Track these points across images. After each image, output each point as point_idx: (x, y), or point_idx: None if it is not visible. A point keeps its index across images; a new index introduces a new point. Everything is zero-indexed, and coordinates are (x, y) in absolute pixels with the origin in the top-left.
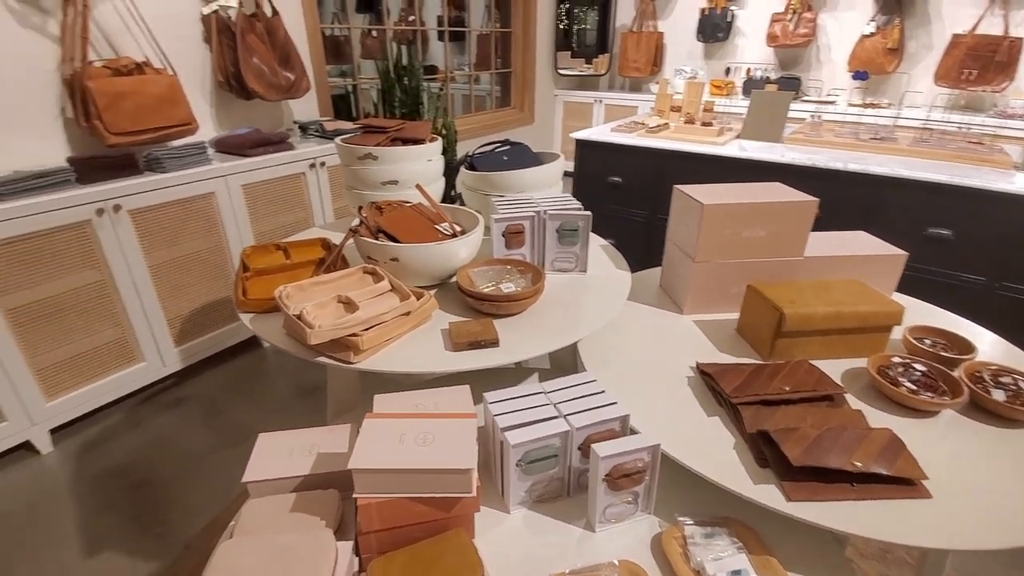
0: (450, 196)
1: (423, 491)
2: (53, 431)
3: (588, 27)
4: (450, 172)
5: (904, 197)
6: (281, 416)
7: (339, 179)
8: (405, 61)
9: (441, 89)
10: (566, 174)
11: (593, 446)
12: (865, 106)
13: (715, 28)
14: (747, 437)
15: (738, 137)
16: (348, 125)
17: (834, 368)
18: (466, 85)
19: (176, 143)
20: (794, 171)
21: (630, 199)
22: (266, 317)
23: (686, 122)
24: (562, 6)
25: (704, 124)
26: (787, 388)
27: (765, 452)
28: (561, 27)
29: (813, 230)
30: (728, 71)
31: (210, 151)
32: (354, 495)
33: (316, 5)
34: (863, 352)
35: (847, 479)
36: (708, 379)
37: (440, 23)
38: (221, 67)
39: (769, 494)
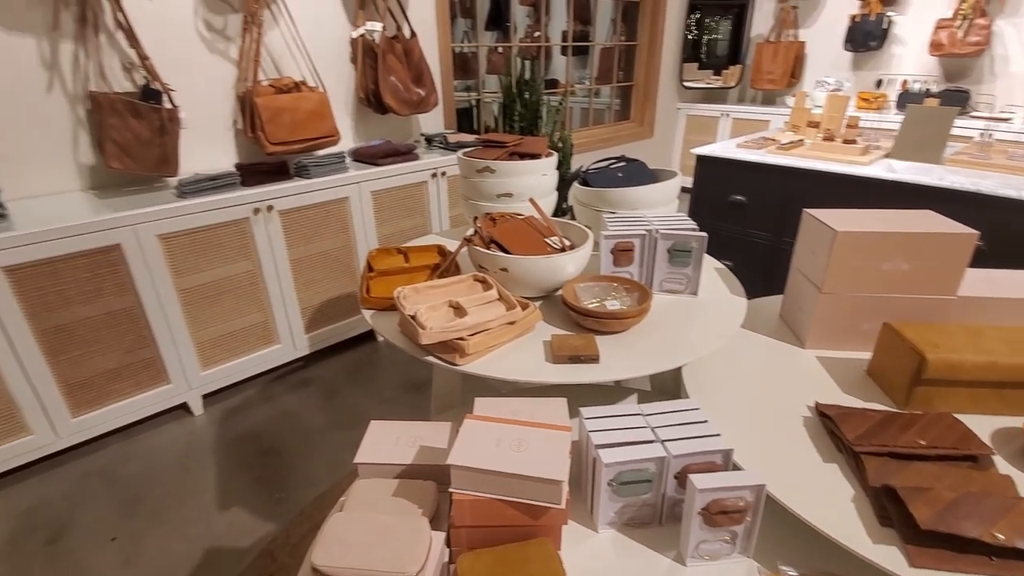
0: (561, 208)
1: (514, 496)
2: (205, 396)
3: (720, 37)
4: (563, 185)
5: None
6: (388, 406)
7: (457, 188)
8: (528, 76)
9: (560, 103)
10: (683, 190)
11: (691, 476)
12: None
13: (867, 36)
14: (869, 491)
15: (887, 156)
16: (469, 137)
17: (983, 425)
18: (585, 98)
19: (321, 152)
20: (954, 197)
21: (753, 220)
22: (384, 314)
23: (825, 139)
24: (693, 16)
25: (846, 141)
26: (922, 442)
27: (889, 510)
28: (690, 37)
29: (973, 265)
30: (880, 83)
31: (347, 160)
32: (450, 489)
33: (449, 26)
34: (1020, 410)
35: (985, 551)
36: (828, 422)
37: (564, 38)
38: (363, 85)
39: (888, 556)
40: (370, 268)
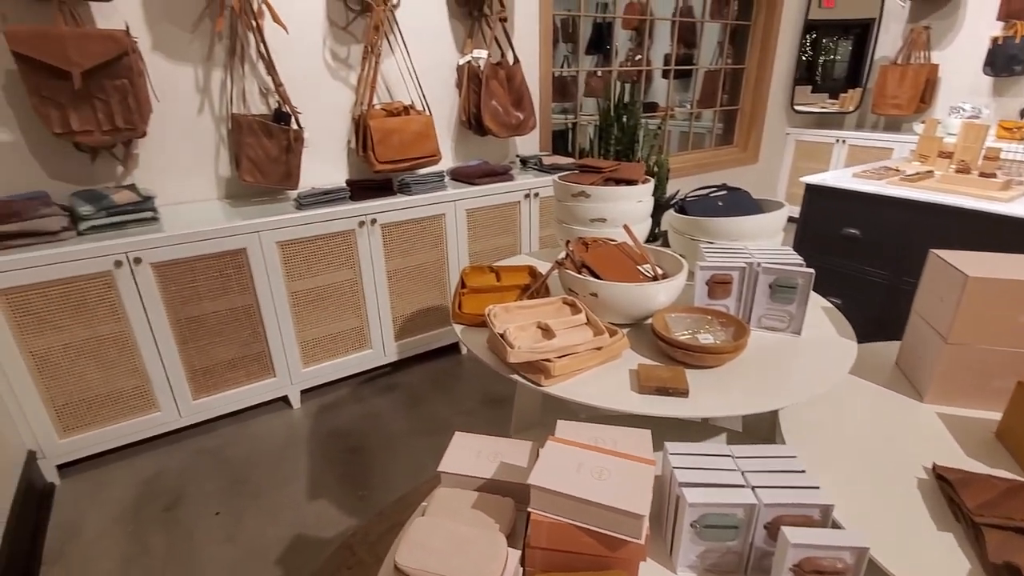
0: (654, 233)
1: (592, 524)
2: (303, 392)
3: (838, 58)
4: (658, 210)
5: None
6: (468, 417)
7: (549, 209)
8: (626, 99)
9: (659, 127)
10: (790, 219)
11: (784, 529)
12: None
13: (1010, 60)
14: (988, 567)
15: None
16: (564, 160)
17: None
18: (686, 122)
19: (422, 171)
20: None
21: (869, 256)
22: (474, 330)
23: (959, 171)
24: (808, 36)
25: (984, 174)
26: None
27: None
28: (804, 59)
29: None
30: None
31: (446, 179)
32: (529, 509)
33: (551, 52)
34: None
35: None
36: (946, 486)
37: (667, 61)
38: (465, 108)
39: None
40: (463, 284)
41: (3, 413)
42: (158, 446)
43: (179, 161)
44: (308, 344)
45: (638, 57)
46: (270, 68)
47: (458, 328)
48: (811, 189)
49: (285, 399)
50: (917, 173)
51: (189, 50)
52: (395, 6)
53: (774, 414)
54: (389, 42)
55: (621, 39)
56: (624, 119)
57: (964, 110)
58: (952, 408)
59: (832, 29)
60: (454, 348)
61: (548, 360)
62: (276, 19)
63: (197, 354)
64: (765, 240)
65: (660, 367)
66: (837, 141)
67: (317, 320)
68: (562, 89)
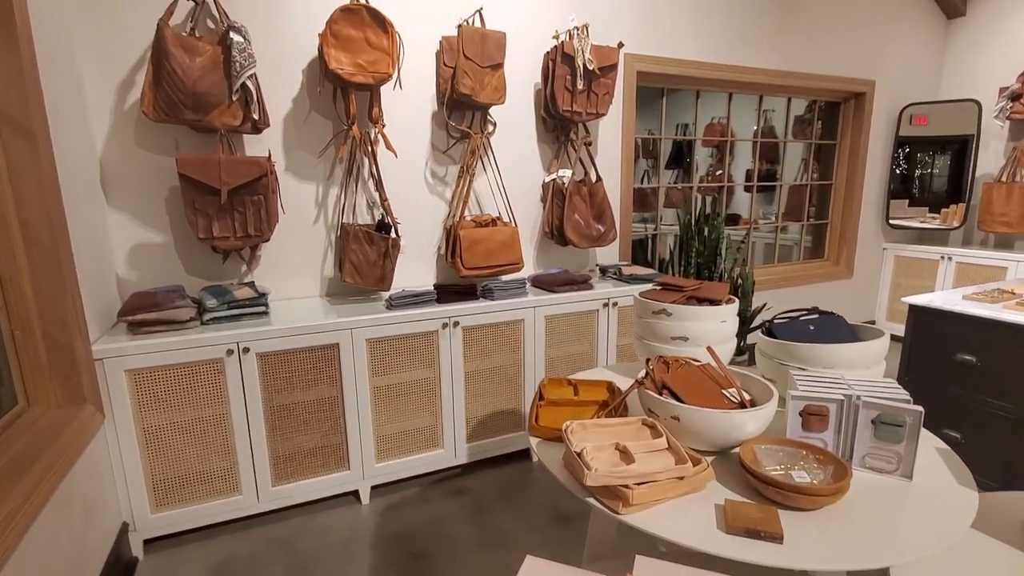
0: (739, 347)
1: None
2: (373, 487)
3: (936, 172)
4: (744, 323)
5: None
6: (536, 535)
7: (627, 319)
8: (708, 211)
9: (743, 241)
10: (894, 338)
11: None
12: None
13: None
14: None
15: None
16: (643, 271)
17: None
18: (771, 234)
19: (505, 277)
20: None
21: (989, 387)
22: (549, 445)
23: None
24: (901, 150)
25: None
26: None
27: None
28: (898, 172)
29: None
30: None
31: (527, 285)
32: None
33: (633, 168)
34: None
35: None
36: None
37: (749, 177)
38: (548, 221)
39: None
40: (541, 396)
41: (110, 483)
42: (233, 530)
43: (292, 262)
44: (383, 439)
45: (719, 172)
46: (379, 185)
47: (534, 441)
48: (916, 310)
49: (355, 494)
50: None
51: (315, 171)
52: (490, 133)
53: (883, 572)
54: (483, 162)
55: (701, 155)
56: (706, 231)
57: None
58: None
59: (927, 145)
60: (525, 455)
61: (627, 487)
62: (388, 146)
63: (282, 441)
64: (864, 370)
65: (750, 505)
66: (942, 258)
67: (394, 416)
68: (642, 200)
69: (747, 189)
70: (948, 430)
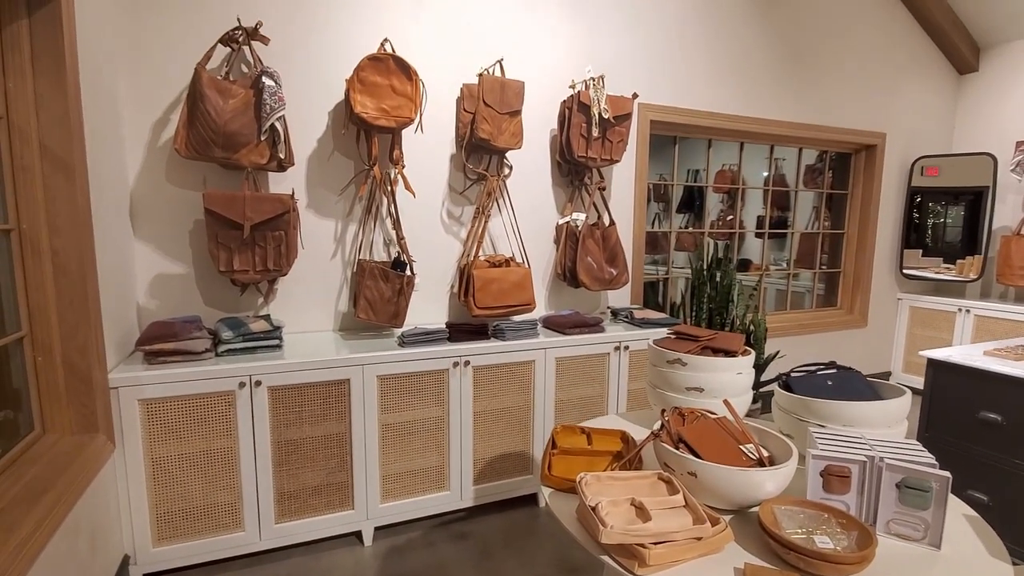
0: (754, 396)
1: None
2: (377, 528)
3: (950, 223)
4: (757, 370)
5: None
6: None
7: (638, 362)
8: (719, 256)
9: (755, 288)
10: (912, 391)
11: None
12: None
13: None
14: None
15: None
16: (655, 314)
17: None
18: (783, 280)
19: (517, 318)
20: None
21: (1015, 447)
22: (562, 496)
23: None
24: (914, 199)
25: None
26: None
27: None
28: (909, 221)
29: None
30: None
31: (539, 327)
32: None
33: (645, 212)
34: None
35: None
36: None
37: (760, 223)
38: (561, 263)
39: None
40: (553, 444)
41: (115, 515)
42: (233, 567)
43: (308, 297)
44: (389, 478)
45: (729, 217)
46: (396, 224)
47: (546, 491)
48: (936, 364)
49: (358, 535)
50: None
51: (335, 208)
52: (507, 176)
53: None
54: (498, 204)
55: (712, 201)
56: (718, 277)
57: None
58: None
59: (939, 195)
60: (532, 499)
61: (643, 546)
62: (408, 187)
63: (288, 477)
64: (885, 429)
65: (770, 571)
66: (959, 310)
67: (401, 455)
68: (653, 243)
69: (758, 235)
70: (974, 492)
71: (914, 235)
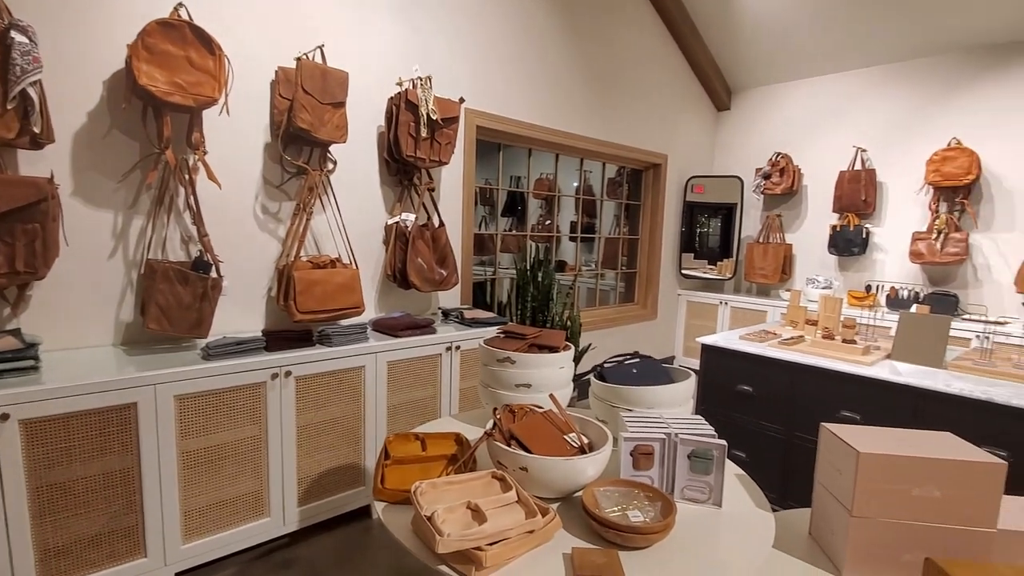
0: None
1: None
2: (178, 574)
3: (711, 232)
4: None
5: None
6: None
7: (469, 362)
8: (542, 257)
9: (571, 287)
10: (692, 371)
11: None
12: None
13: (848, 243)
14: None
15: (888, 357)
16: (484, 314)
17: None
18: (592, 279)
19: (344, 322)
20: (966, 405)
21: (763, 411)
22: (397, 509)
23: (824, 336)
24: (687, 212)
25: (846, 341)
26: None
27: None
28: (684, 231)
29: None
30: (868, 288)
31: (369, 330)
32: None
33: (473, 214)
34: None
35: None
36: None
37: (573, 228)
38: (391, 264)
39: None
40: (387, 455)
41: None
42: None
43: (77, 305)
44: (193, 514)
45: (548, 222)
46: (197, 218)
47: (379, 506)
48: (707, 348)
49: None
50: (792, 337)
51: (113, 198)
52: (330, 171)
53: None
54: (321, 201)
55: (532, 206)
56: (540, 277)
57: (818, 281)
58: None
59: (704, 209)
60: (365, 512)
61: (480, 549)
62: (211, 176)
63: (54, 530)
64: (677, 407)
65: (594, 551)
66: (720, 303)
67: (208, 485)
68: (480, 245)
69: (572, 239)
70: (736, 451)
71: (689, 241)
